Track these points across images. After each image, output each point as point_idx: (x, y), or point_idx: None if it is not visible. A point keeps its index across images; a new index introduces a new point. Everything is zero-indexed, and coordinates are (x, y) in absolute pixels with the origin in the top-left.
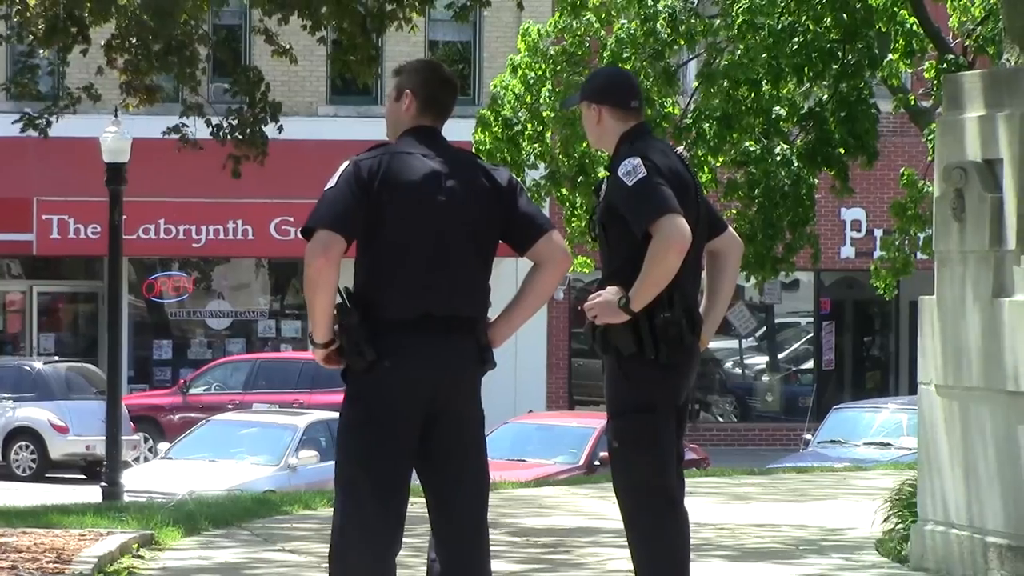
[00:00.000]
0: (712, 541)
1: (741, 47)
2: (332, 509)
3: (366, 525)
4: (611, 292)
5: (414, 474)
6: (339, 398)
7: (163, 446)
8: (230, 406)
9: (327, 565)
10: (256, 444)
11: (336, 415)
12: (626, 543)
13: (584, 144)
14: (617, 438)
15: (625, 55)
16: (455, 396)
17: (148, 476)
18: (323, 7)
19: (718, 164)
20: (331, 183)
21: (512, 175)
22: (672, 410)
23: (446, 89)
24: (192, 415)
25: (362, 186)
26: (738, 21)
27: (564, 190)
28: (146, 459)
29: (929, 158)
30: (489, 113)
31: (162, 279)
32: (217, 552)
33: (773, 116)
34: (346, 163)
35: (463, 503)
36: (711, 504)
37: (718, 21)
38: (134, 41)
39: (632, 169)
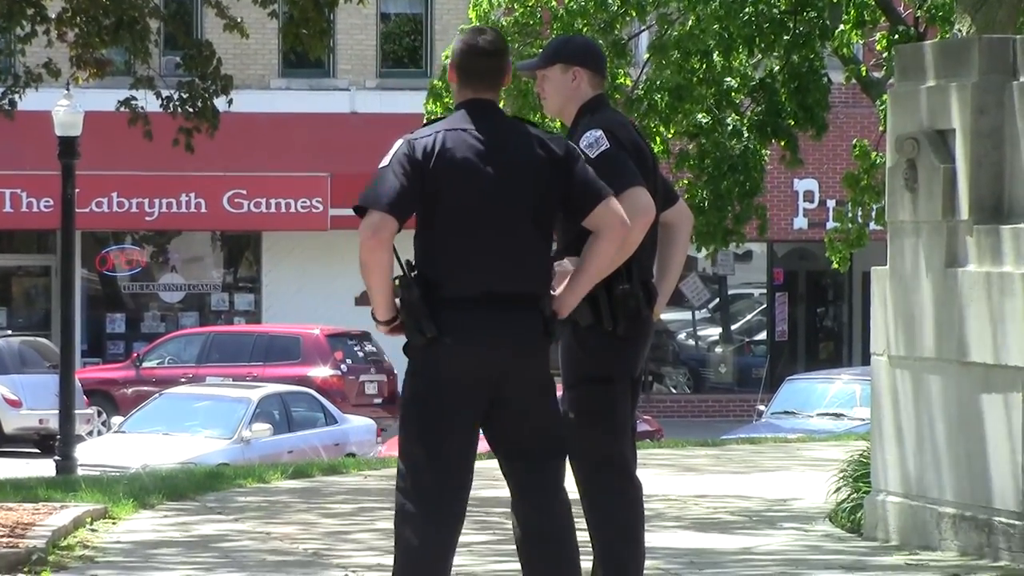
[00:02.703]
0: (665, 512)
1: (692, 18)
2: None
3: (425, 501)
4: (570, 263)
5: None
6: (291, 371)
7: (117, 420)
8: (183, 379)
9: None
10: (209, 417)
11: (289, 388)
12: (582, 514)
13: (536, 115)
14: (572, 409)
15: (576, 26)
16: (523, 371)
17: (102, 450)
18: None
19: (670, 135)
20: (384, 161)
21: (569, 143)
22: (628, 381)
23: (480, 58)
24: (145, 388)
25: (416, 166)
26: None
27: None
28: (100, 433)
29: (881, 129)
30: (441, 84)
31: (115, 252)
32: (171, 525)
33: (724, 87)
34: (400, 141)
35: (540, 463)
36: (664, 475)
37: None
38: (84, 18)
39: (595, 141)
